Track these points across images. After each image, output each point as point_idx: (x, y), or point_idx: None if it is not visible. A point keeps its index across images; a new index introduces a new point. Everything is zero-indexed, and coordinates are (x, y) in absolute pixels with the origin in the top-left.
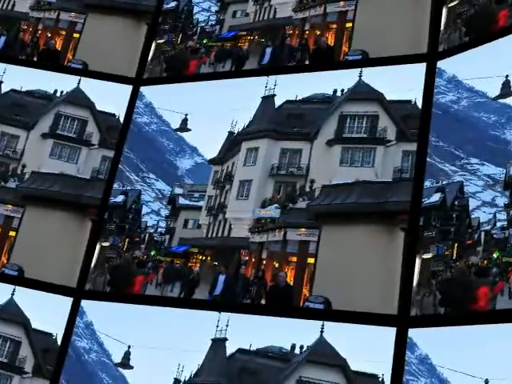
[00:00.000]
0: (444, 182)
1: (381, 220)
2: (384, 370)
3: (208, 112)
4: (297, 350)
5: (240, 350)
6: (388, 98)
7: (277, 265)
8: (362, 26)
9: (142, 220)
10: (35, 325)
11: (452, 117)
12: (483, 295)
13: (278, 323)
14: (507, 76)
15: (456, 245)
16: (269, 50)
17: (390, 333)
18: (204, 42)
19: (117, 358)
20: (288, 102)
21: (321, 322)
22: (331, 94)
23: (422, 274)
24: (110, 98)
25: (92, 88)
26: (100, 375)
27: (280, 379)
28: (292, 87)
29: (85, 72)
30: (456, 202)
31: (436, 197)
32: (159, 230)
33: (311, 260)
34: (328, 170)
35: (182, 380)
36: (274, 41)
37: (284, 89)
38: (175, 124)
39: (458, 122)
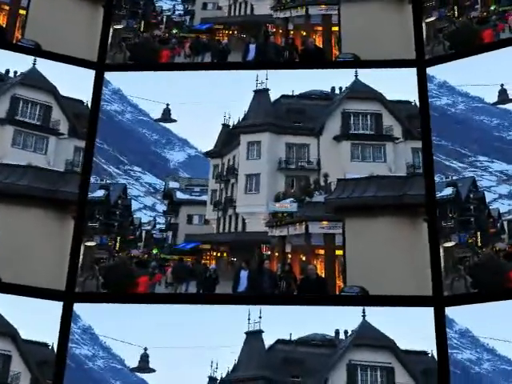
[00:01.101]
0: (454, 178)
1: (402, 212)
2: (428, 347)
3: (192, 103)
4: (341, 336)
5: (280, 341)
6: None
7: (303, 258)
8: (350, 31)
9: (134, 216)
10: (25, 335)
11: (450, 118)
12: None
13: (313, 312)
14: (502, 85)
15: (479, 233)
16: (253, 47)
17: (427, 313)
18: (174, 32)
19: (131, 362)
20: (284, 96)
21: (360, 308)
22: (329, 91)
23: (447, 261)
24: (70, 82)
25: (48, 71)
26: (112, 382)
27: (329, 365)
28: (282, 83)
29: (43, 52)
30: (471, 195)
31: (449, 190)
32: (158, 226)
33: (339, 252)
34: (340, 165)
35: (219, 377)
36: (256, 38)
37: (274, 84)
38: (155, 114)
39: (457, 123)
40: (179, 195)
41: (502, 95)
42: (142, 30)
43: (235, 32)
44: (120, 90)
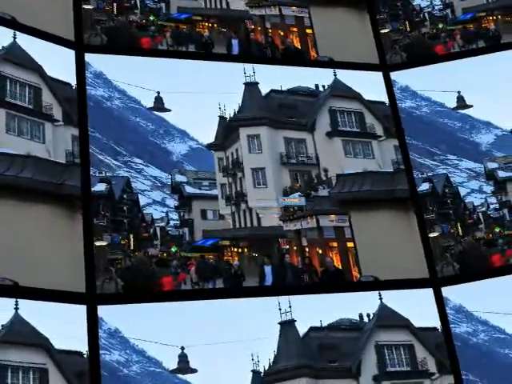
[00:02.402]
0: (429, 174)
1: (395, 205)
2: (429, 323)
3: (182, 92)
4: (365, 319)
5: (313, 328)
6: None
7: (320, 251)
8: (323, 34)
9: (145, 212)
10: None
11: (416, 120)
12: (497, 260)
13: (335, 300)
14: (459, 92)
15: (459, 224)
16: (235, 42)
17: (427, 293)
18: (151, 19)
19: (169, 364)
20: (274, 91)
21: (374, 293)
22: (313, 88)
23: (434, 250)
24: (49, 62)
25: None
26: None
27: (360, 347)
28: (266, 79)
29: (20, 26)
30: (446, 190)
31: (426, 186)
32: (172, 222)
33: (350, 244)
34: (336, 161)
35: (262, 370)
36: (237, 33)
37: (259, 79)
38: (146, 102)
39: (424, 124)
40: (188, 189)
41: (460, 101)
42: (115, 13)
43: (215, 25)
44: (103, 74)
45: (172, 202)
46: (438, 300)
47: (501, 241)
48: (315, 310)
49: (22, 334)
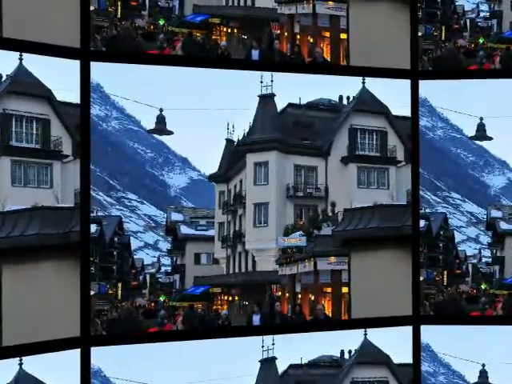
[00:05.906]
0: (427, 210)
1: (400, 243)
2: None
3: (188, 109)
4: (346, 356)
5: (292, 366)
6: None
7: (312, 297)
8: (359, 38)
9: (136, 257)
10: None
11: (429, 144)
12: None
13: (321, 337)
14: (481, 118)
15: (445, 272)
16: (256, 54)
17: (406, 330)
18: (161, 23)
19: None
20: (291, 105)
21: (361, 331)
22: (337, 100)
23: None
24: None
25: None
26: None
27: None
28: (287, 88)
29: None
30: (441, 232)
31: (421, 223)
32: (163, 268)
33: (345, 289)
34: (346, 192)
35: None
36: (259, 41)
37: (278, 89)
38: (146, 122)
39: (435, 150)
40: (184, 230)
41: (480, 130)
42: (119, 16)
43: (235, 30)
44: (100, 87)
45: (165, 246)
46: (414, 338)
47: (484, 299)
48: (298, 349)
49: None
